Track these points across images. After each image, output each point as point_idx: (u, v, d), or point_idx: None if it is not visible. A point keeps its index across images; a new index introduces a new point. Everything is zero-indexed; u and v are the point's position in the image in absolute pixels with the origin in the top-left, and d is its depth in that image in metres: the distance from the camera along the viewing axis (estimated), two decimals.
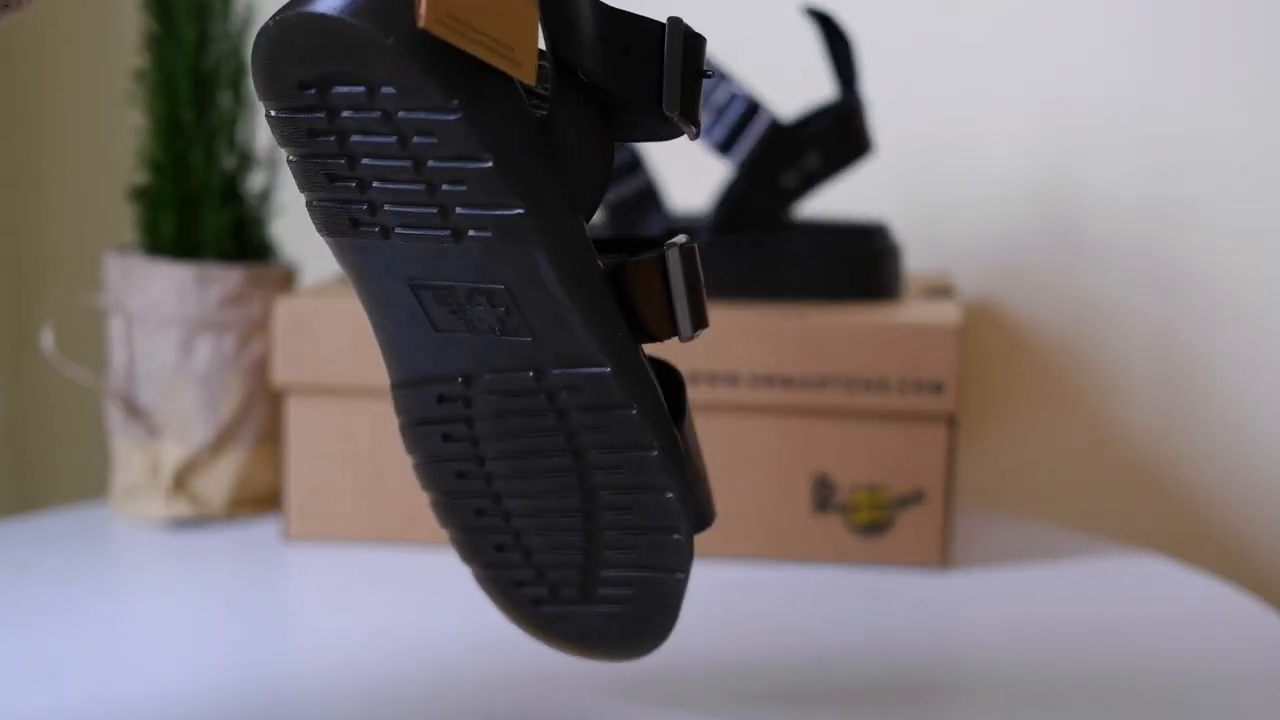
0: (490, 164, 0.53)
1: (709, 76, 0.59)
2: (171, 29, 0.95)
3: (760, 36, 1.11)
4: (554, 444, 0.60)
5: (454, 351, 0.58)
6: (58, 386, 1.28)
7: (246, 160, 0.99)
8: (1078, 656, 0.75)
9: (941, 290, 0.98)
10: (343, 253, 0.57)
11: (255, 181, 1.00)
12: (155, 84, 0.96)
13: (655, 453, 0.58)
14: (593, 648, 0.64)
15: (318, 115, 0.54)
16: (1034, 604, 0.84)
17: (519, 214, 0.54)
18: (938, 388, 0.86)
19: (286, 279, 0.97)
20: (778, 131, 0.92)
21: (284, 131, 0.55)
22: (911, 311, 0.90)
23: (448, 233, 0.55)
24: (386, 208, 0.55)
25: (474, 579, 0.64)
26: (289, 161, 0.56)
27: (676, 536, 0.60)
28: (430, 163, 0.54)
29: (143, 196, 0.97)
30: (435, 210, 0.55)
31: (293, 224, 1.04)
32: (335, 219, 0.56)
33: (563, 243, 0.55)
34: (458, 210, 0.54)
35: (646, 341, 0.58)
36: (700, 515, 0.61)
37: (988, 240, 1.11)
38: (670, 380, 0.62)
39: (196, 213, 0.96)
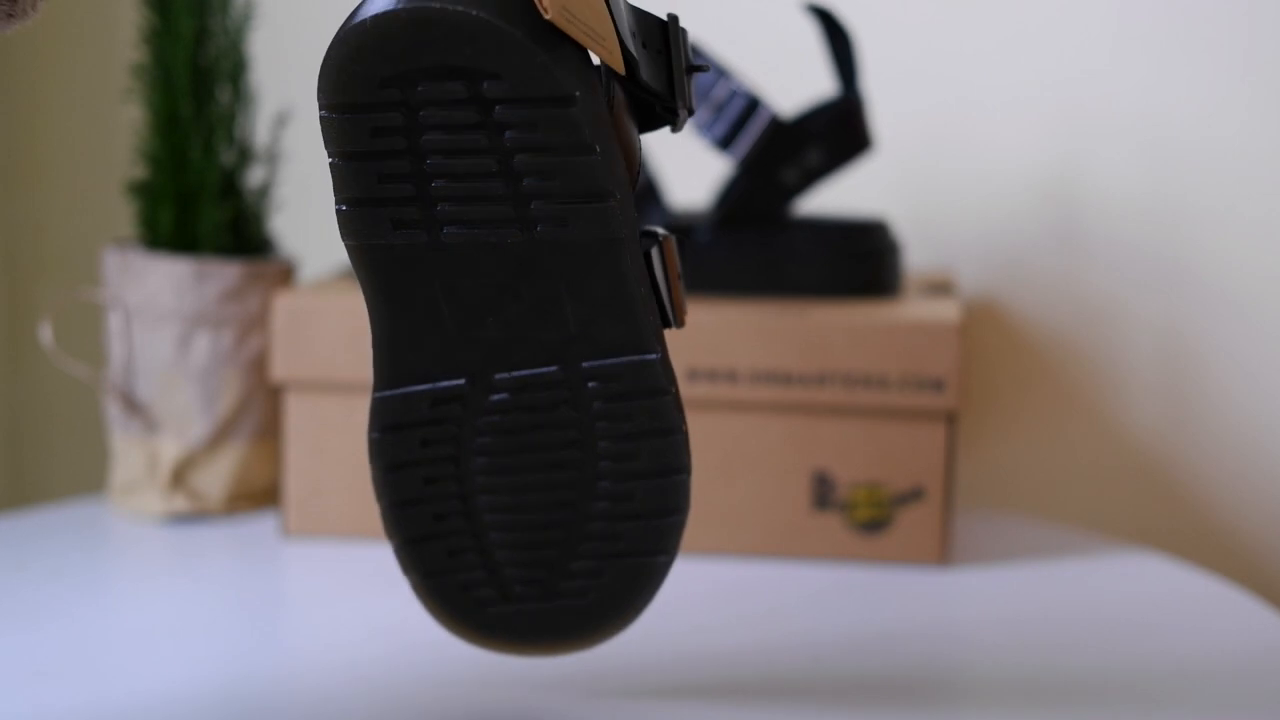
0: (597, 155, 0.55)
1: (702, 70, 0.62)
2: (170, 23, 0.95)
3: (761, 32, 1.11)
4: (558, 437, 0.60)
5: (466, 351, 0.59)
6: (56, 381, 1.27)
7: (245, 155, 0.98)
8: (1077, 654, 0.75)
9: (941, 287, 0.98)
10: (365, 255, 0.57)
11: (254, 177, 1.00)
12: (154, 79, 0.96)
13: (681, 435, 0.60)
14: (538, 644, 0.64)
15: (390, 113, 0.54)
16: (1033, 602, 0.84)
17: (610, 204, 0.55)
18: (938, 385, 0.86)
19: (285, 274, 0.97)
20: (778, 128, 0.92)
21: (343, 131, 0.55)
22: (912, 309, 0.90)
23: (514, 227, 0.56)
24: (442, 206, 0.56)
25: (411, 588, 0.64)
26: (333, 164, 0.56)
27: (680, 516, 0.61)
28: (519, 156, 0.55)
29: (141, 191, 0.97)
30: (509, 205, 0.55)
31: (292, 219, 1.05)
32: (373, 221, 0.56)
33: (634, 232, 0.57)
34: (534, 204, 0.55)
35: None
36: None
37: (988, 237, 1.11)
38: None
39: (195, 208, 0.96)
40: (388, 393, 0.60)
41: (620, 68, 0.56)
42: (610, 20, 0.55)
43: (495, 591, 0.64)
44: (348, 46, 0.53)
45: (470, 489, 0.62)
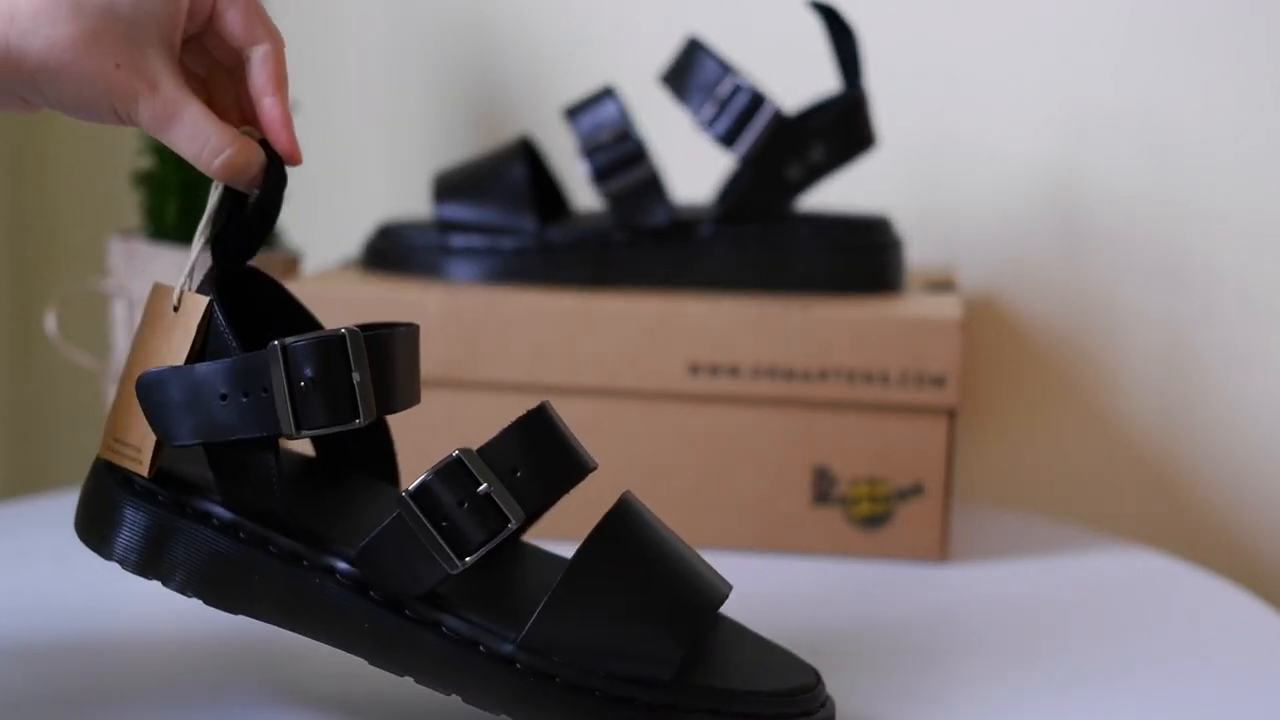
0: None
1: (315, 381, 0.63)
2: None
3: (764, 28, 1.11)
4: None
5: None
6: (61, 370, 1.28)
7: None
8: (1074, 650, 0.76)
9: (943, 284, 0.98)
10: None
11: None
12: None
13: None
14: None
15: None
16: (1032, 598, 0.84)
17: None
18: (939, 381, 0.86)
19: (289, 266, 0.97)
20: (782, 124, 0.92)
21: None
22: (913, 305, 0.90)
23: None
24: None
25: None
26: None
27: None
28: None
29: (146, 182, 0.97)
30: None
31: (296, 211, 1.05)
32: None
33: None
34: None
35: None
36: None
37: (990, 234, 1.11)
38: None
39: (200, 198, 0.96)
40: None
41: (144, 473, 0.61)
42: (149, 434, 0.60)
43: None
44: None
45: None
